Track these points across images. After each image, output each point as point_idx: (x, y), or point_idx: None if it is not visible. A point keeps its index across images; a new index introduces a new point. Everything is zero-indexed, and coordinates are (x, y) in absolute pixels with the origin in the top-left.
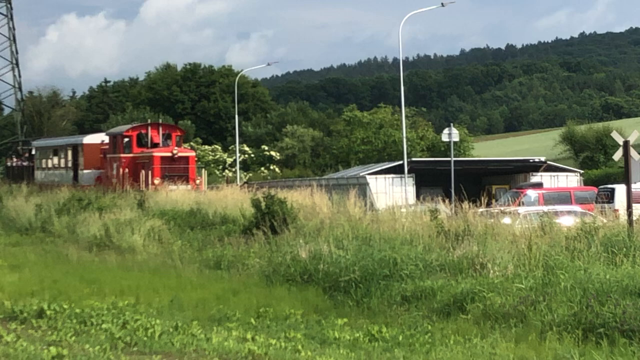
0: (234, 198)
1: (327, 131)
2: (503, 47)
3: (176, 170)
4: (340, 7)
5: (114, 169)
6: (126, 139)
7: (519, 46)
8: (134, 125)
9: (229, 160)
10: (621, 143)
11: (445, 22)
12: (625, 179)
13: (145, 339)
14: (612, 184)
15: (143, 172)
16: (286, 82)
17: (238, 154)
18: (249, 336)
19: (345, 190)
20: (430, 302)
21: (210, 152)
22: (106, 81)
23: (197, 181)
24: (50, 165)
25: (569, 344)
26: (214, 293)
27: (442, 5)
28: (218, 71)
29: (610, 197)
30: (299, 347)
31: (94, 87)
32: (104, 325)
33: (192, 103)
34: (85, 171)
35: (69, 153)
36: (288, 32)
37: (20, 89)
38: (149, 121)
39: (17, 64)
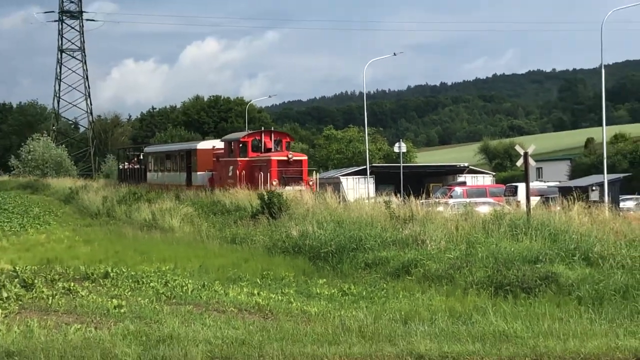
0: (244, 193)
1: (311, 144)
2: (438, 84)
3: (292, 173)
4: (322, 55)
5: (230, 171)
6: (242, 145)
7: (449, 83)
8: (249, 132)
9: None
10: (522, 153)
11: (396, 66)
12: (525, 178)
13: (181, 293)
14: (515, 182)
15: (261, 174)
16: (282, 109)
17: None
18: (255, 292)
19: (324, 187)
20: (385, 267)
21: None
22: (153, 108)
23: (310, 182)
24: (162, 168)
25: (484, 297)
26: (231, 261)
27: (395, 54)
28: (234, 101)
29: (514, 192)
30: (292, 299)
31: (144, 112)
32: (151, 284)
33: (214, 124)
34: (199, 173)
35: (183, 158)
36: (284, 72)
37: (91, 113)
38: (262, 128)
39: (89, 95)
